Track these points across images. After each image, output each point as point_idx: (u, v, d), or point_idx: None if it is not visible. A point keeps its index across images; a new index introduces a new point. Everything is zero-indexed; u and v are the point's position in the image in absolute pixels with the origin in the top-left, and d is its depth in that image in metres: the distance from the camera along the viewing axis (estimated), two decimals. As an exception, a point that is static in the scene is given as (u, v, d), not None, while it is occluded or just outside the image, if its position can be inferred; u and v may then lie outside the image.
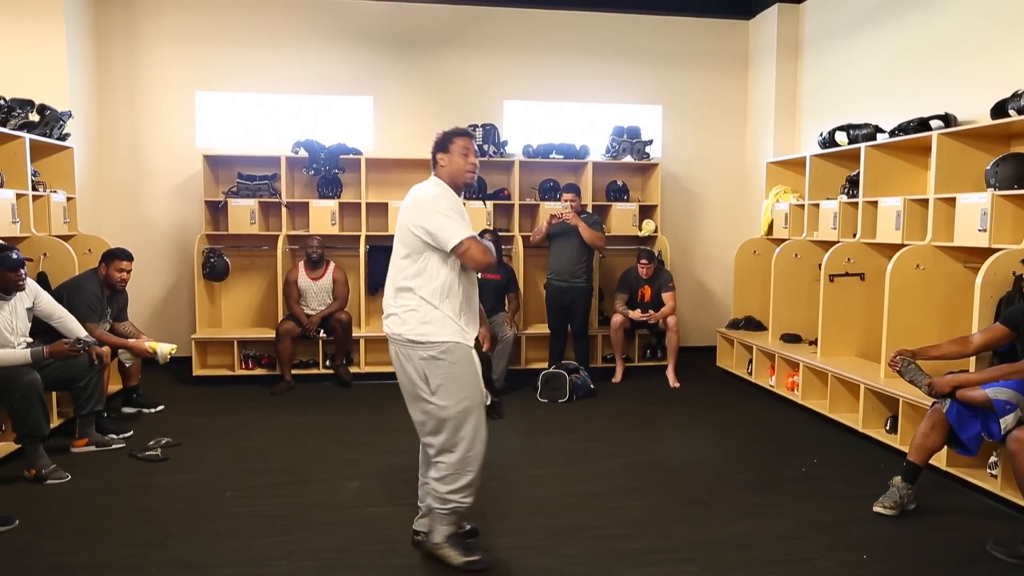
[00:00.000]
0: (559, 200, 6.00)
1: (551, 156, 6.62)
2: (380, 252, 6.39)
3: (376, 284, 6.52)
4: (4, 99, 4.80)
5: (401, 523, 3.21)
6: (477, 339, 2.81)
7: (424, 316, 2.72)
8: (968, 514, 3.41)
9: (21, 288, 3.93)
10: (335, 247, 6.38)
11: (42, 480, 3.66)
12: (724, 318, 6.84)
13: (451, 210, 2.71)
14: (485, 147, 6.48)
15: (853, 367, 4.77)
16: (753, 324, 6.36)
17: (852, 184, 5.28)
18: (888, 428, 4.34)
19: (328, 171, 6.32)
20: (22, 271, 3.89)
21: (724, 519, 3.35)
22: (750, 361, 5.97)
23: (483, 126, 6.53)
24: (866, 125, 5.21)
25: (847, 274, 5.06)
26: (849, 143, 5.30)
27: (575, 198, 5.75)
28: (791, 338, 5.72)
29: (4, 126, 4.69)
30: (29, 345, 3.93)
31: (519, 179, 6.52)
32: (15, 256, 3.86)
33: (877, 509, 3.37)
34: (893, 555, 2.99)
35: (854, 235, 5.14)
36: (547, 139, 6.71)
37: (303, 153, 6.25)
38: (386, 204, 6.33)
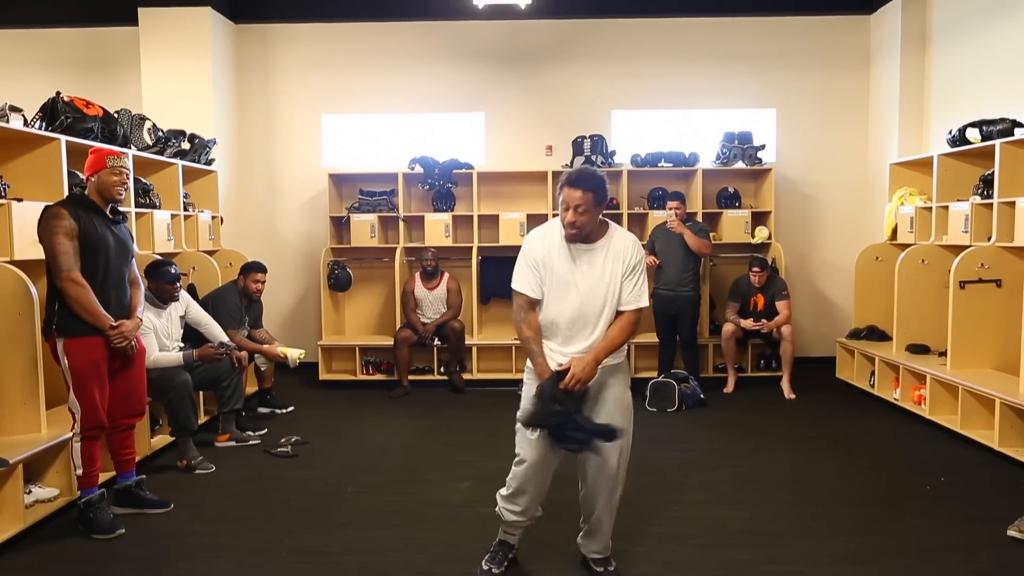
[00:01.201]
0: (665, 208, 5.98)
1: (659, 164, 6.60)
2: (492, 263, 6.64)
3: (488, 294, 6.75)
4: (162, 131, 5.39)
5: (508, 523, 3.34)
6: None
7: None
8: (1120, 542, 3.11)
9: (176, 299, 4.43)
10: (449, 258, 6.66)
11: (192, 470, 4.10)
12: (844, 328, 6.53)
13: (523, 258, 2.77)
14: (593, 158, 6.55)
15: (988, 380, 4.45)
16: (876, 334, 6.04)
17: (986, 184, 4.93)
18: (1029, 447, 4.03)
19: (442, 185, 6.62)
20: (178, 284, 4.39)
21: (837, 534, 3.24)
22: (872, 373, 5.68)
23: (591, 137, 6.61)
24: (1002, 120, 4.85)
25: (980, 280, 4.73)
26: (983, 140, 4.95)
27: (680, 205, 5.73)
28: (918, 349, 5.40)
29: (162, 155, 5.28)
30: (180, 349, 4.41)
31: (627, 188, 6.55)
32: (173, 271, 4.36)
33: (1012, 533, 3.15)
34: (1027, 581, 2.79)
35: (988, 239, 4.79)
36: (655, 147, 6.69)
37: (418, 169, 6.58)
38: (497, 216, 6.54)
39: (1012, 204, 4.56)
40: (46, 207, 3.23)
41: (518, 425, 2.75)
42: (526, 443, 2.76)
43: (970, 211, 4.97)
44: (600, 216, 2.71)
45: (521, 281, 2.74)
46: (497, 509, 2.90)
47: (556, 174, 6.61)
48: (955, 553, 3.03)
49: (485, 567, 2.90)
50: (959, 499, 3.64)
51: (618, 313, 2.72)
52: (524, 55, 6.96)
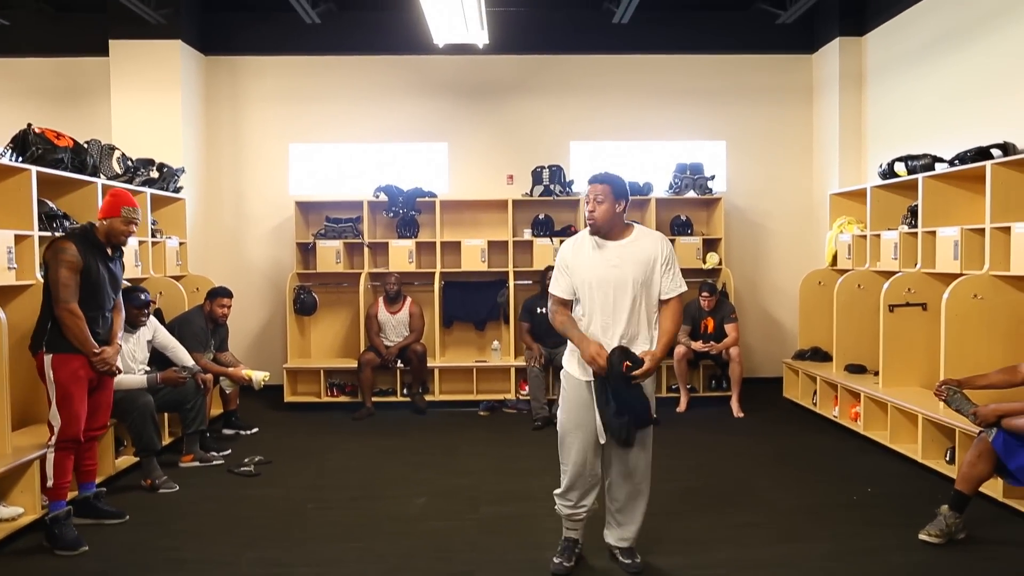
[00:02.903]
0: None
1: (615, 193, 6.89)
2: (454, 287, 6.87)
3: (450, 318, 6.96)
4: (131, 160, 5.54)
5: (459, 536, 3.55)
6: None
7: None
8: (1020, 546, 3.40)
9: (144, 324, 4.59)
10: (412, 283, 6.87)
11: (156, 489, 4.22)
12: (791, 349, 6.85)
13: (556, 264, 3.15)
14: (552, 187, 6.85)
15: (914, 397, 4.76)
16: (820, 355, 6.37)
17: (912, 214, 5.30)
18: (948, 459, 4.32)
19: (406, 213, 6.84)
20: (146, 310, 4.57)
21: (767, 541, 3.48)
22: (815, 392, 5.99)
23: (550, 167, 6.91)
24: (924, 156, 5.24)
25: (908, 304, 5.07)
26: (908, 174, 5.34)
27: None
28: (856, 369, 5.72)
29: (131, 183, 5.43)
30: (146, 372, 4.54)
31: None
32: (143, 297, 4.55)
33: (923, 537, 3.41)
34: (931, 579, 3.05)
35: (915, 265, 5.15)
36: (611, 177, 6.99)
37: (383, 197, 6.81)
38: (459, 243, 6.78)
39: (933, 233, 4.92)
40: (56, 238, 3.58)
41: (560, 434, 3.11)
42: (566, 449, 3.07)
43: (898, 239, 5.34)
44: (624, 218, 3.04)
45: (555, 285, 3.11)
46: (556, 507, 3.16)
47: (516, 202, 6.88)
48: (870, 556, 3.29)
49: (556, 560, 3.12)
50: (881, 508, 3.91)
51: (661, 304, 3.03)
52: (486, 89, 7.26)
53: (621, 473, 3.08)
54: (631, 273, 2.95)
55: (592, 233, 3.04)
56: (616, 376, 2.85)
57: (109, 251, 3.62)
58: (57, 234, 4.15)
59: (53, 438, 3.43)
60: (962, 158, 4.77)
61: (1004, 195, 4.34)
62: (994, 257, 4.33)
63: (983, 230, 4.43)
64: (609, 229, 3.01)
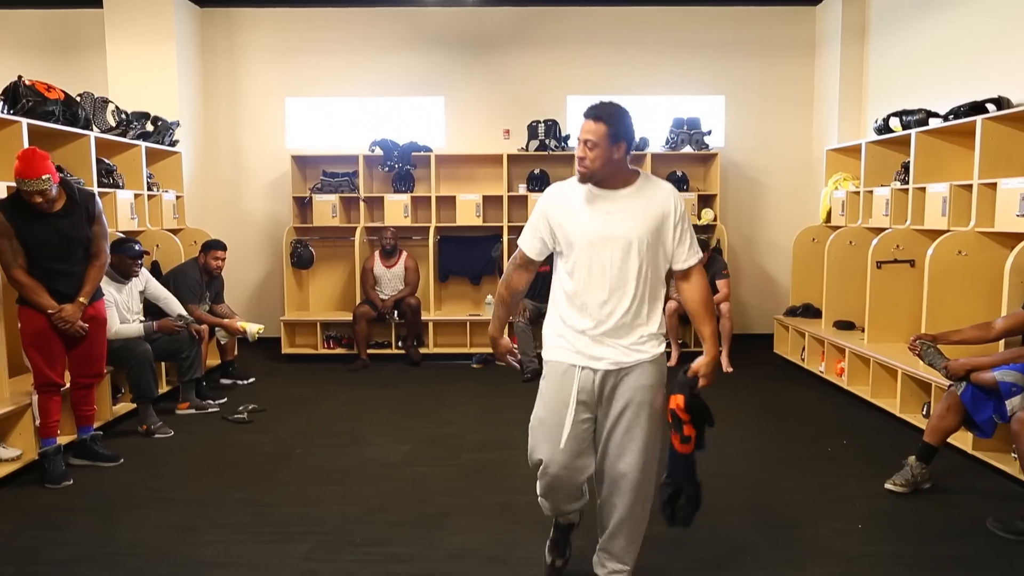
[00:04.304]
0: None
1: (611, 148, 6.87)
2: (450, 242, 6.93)
3: (445, 272, 7.03)
4: (126, 113, 5.58)
5: (439, 480, 3.68)
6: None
7: None
8: (982, 495, 3.47)
9: (137, 274, 4.67)
10: (408, 238, 6.92)
11: (151, 434, 4.38)
12: (785, 305, 6.87)
13: (536, 209, 2.46)
14: (547, 141, 6.83)
15: (896, 353, 4.80)
16: (811, 311, 6.40)
17: (905, 170, 5.26)
18: (924, 413, 4.38)
19: (401, 167, 6.85)
20: (140, 261, 4.64)
21: (738, 489, 3.58)
22: (803, 348, 6.04)
23: (546, 121, 6.88)
24: (919, 111, 5.17)
25: (895, 260, 5.07)
26: (903, 129, 5.27)
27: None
28: (844, 325, 5.75)
29: (125, 136, 5.47)
30: (141, 322, 4.66)
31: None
32: (137, 248, 4.62)
33: (888, 486, 3.50)
34: (890, 526, 3.14)
35: (905, 222, 5.13)
36: (607, 132, 6.95)
37: (379, 151, 6.82)
38: (454, 197, 6.80)
39: (924, 190, 4.90)
40: None
41: (533, 425, 2.43)
42: (534, 453, 2.41)
43: (890, 196, 5.31)
44: (628, 164, 2.36)
45: (524, 238, 2.45)
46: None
47: (512, 157, 6.87)
48: (834, 503, 3.38)
49: (548, 558, 2.64)
50: (854, 459, 3.99)
51: (678, 276, 2.42)
52: (483, 42, 7.18)
53: (613, 490, 2.42)
54: (636, 229, 2.30)
55: (581, 181, 2.35)
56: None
57: (57, 206, 3.49)
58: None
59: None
60: (956, 112, 4.71)
61: (994, 151, 4.29)
62: (980, 213, 4.31)
63: (971, 186, 4.40)
64: (604, 177, 2.31)
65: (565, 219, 2.36)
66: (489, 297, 6.81)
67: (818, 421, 4.74)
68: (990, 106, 4.53)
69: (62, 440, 3.78)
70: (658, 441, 2.44)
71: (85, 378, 3.81)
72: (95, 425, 4.01)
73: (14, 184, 3.47)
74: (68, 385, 3.81)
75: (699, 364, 2.38)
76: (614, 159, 2.29)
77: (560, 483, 2.39)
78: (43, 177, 3.38)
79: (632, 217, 2.31)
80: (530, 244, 2.45)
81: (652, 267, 2.36)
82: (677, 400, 2.34)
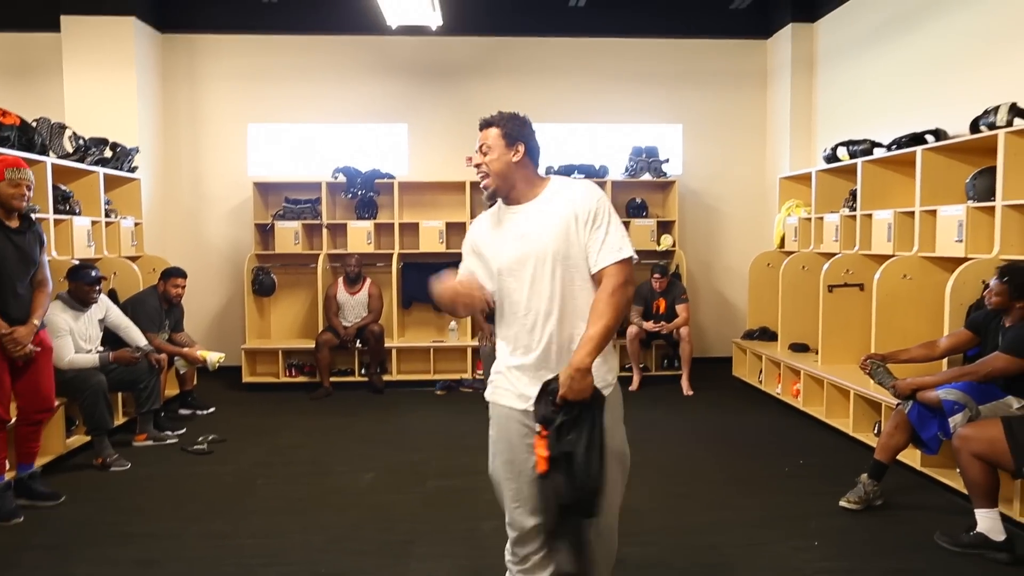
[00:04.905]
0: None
1: (572, 176, 7.01)
2: (413, 268, 6.95)
3: (409, 298, 7.04)
4: (83, 139, 5.51)
5: (404, 508, 3.67)
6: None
7: None
8: (932, 510, 3.61)
9: (95, 301, 4.59)
10: (373, 264, 6.93)
11: (107, 467, 4.27)
12: (743, 329, 7.03)
13: (466, 244, 2.36)
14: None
15: (848, 374, 4.96)
16: (768, 335, 6.57)
17: (853, 197, 5.48)
18: (876, 432, 4.53)
19: (364, 194, 6.88)
20: (97, 287, 4.56)
21: (698, 510, 3.66)
22: (761, 370, 6.19)
23: (508, 149, 6.98)
24: (864, 141, 5.41)
25: (845, 284, 5.26)
26: (850, 158, 5.51)
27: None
28: (799, 347, 5.93)
29: (83, 162, 5.40)
30: (97, 352, 4.57)
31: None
32: (94, 274, 4.54)
33: (842, 503, 3.61)
34: (844, 542, 3.24)
35: (854, 247, 5.33)
36: (568, 160, 7.10)
37: (342, 178, 6.83)
38: (417, 224, 6.84)
39: (870, 216, 5.11)
40: None
41: (493, 482, 2.24)
42: (503, 500, 2.22)
43: (839, 222, 5.52)
44: (533, 171, 2.19)
45: (460, 268, 2.32)
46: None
47: (475, 184, 6.95)
48: (792, 521, 3.47)
49: None
50: (809, 478, 4.11)
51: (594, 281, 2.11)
52: (445, 70, 7.29)
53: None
54: (551, 242, 2.09)
55: (489, 199, 2.21)
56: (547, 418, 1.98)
57: (13, 224, 3.49)
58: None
59: None
60: (898, 143, 4.95)
61: (933, 180, 4.52)
62: (923, 239, 4.52)
63: (913, 213, 4.61)
64: (509, 188, 2.16)
65: (486, 245, 2.23)
66: (453, 323, 6.84)
67: (775, 442, 4.86)
68: (929, 137, 4.78)
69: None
70: (621, 483, 2.25)
71: (37, 413, 3.68)
72: (37, 463, 3.82)
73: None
74: (14, 420, 3.68)
75: (561, 372, 2.00)
76: (513, 163, 2.14)
77: (530, 537, 2.17)
78: (28, 170, 3.49)
79: (544, 229, 2.11)
80: (467, 273, 2.28)
81: (581, 281, 2.11)
82: (540, 445, 1.98)
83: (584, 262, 2.11)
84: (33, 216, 3.72)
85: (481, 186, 2.20)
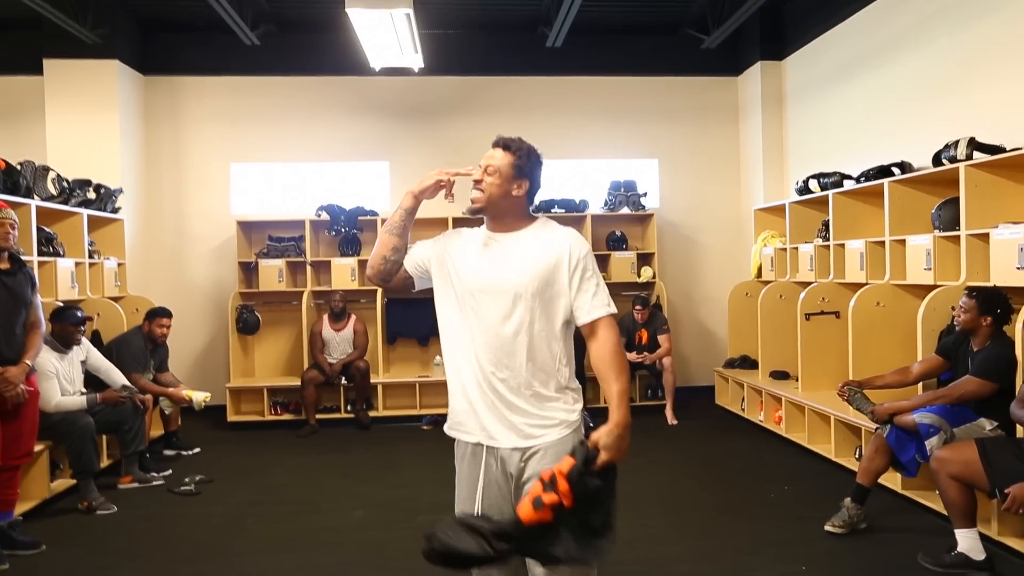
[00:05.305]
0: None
1: (552, 210, 7.15)
2: (397, 304, 7.00)
3: (393, 334, 7.08)
4: (67, 181, 5.53)
5: (396, 544, 3.67)
6: None
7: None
8: (915, 532, 3.70)
9: (78, 343, 4.58)
10: (356, 301, 6.97)
11: (93, 511, 4.22)
12: (724, 358, 7.16)
13: (433, 239, 2.28)
14: (491, 204, 7.04)
15: (828, 400, 5.07)
16: (748, 363, 6.69)
17: (826, 228, 5.67)
18: (857, 456, 4.63)
19: (348, 231, 6.95)
20: (82, 328, 4.56)
21: (687, 537, 3.71)
22: (743, 398, 6.30)
23: (489, 185, 7.12)
24: (834, 173, 5.62)
25: (822, 312, 5.41)
26: (821, 190, 5.70)
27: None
28: (780, 375, 6.05)
29: (67, 204, 5.42)
30: (83, 394, 4.54)
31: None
32: (79, 314, 4.55)
33: (827, 528, 3.68)
34: (831, 566, 3.32)
35: (828, 276, 5.50)
36: (548, 195, 7.24)
37: (325, 216, 6.90)
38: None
39: (843, 246, 5.28)
40: None
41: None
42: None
43: (813, 252, 5.69)
44: (527, 207, 2.15)
45: (414, 248, 2.24)
46: None
47: (456, 220, 7.06)
48: (780, 547, 3.54)
49: None
50: (794, 503, 4.19)
51: (586, 332, 2.06)
52: (425, 109, 7.44)
53: None
54: (524, 277, 2.03)
55: (471, 213, 2.13)
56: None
57: (3, 265, 3.54)
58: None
59: None
60: (866, 175, 5.15)
61: (900, 210, 4.71)
62: (893, 267, 4.69)
63: (883, 243, 4.79)
64: (497, 215, 2.11)
65: (455, 254, 2.14)
66: (437, 358, 6.87)
67: (759, 468, 4.94)
68: (895, 170, 4.98)
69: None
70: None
71: (14, 459, 3.65)
72: (18, 510, 3.76)
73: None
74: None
75: (599, 432, 1.91)
76: (512, 195, 2.08)
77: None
78: (10, 209, 3.55)
79: (521, 263, 2.05)
80: (410, 256, 2.21)
81: (544, 323, 2.05)
82: (566, 462, 1.85)
83: (554, 309, 2.06)
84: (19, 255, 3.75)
85: (471, 198, 2.11)
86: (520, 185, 2.09)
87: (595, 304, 2.05)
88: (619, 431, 1.92)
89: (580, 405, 2.11)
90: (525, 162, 2.10)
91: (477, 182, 2.09)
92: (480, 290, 2.07)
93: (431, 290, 2.20)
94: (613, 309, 2.08)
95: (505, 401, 2.04)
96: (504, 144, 2.11)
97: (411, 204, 2.23)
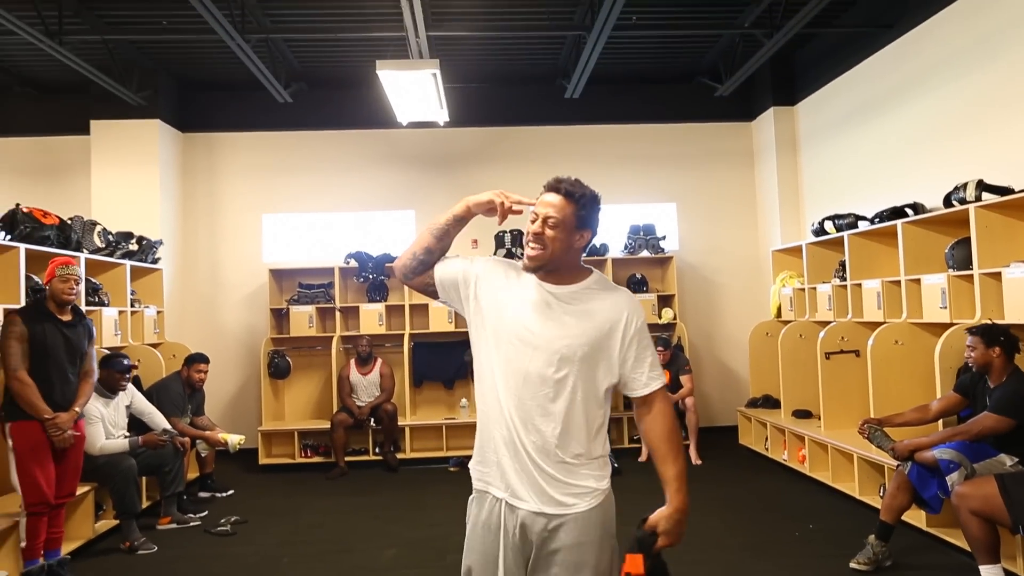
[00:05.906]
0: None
1: (573, 254, 7.32)
2: (423, 348, 7.17)
3: (420, 377, 7.24)
4: (112, 234, 5.84)
5: (427, 581, 3.76)
6: None
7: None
8: (940, 569, 3.72)
9: (124, 388, 4.80)
10: (383, 345, 7.15)
11: (135, 551, 4.37)
12: (746, 397, 7.20)
13: (467, 260, 2.12)
14: (514, 250, 7.26)
15: (851, 439, 5.11)
16: (771, 402, 6.73)
17: (842, 268, 5.77)
18: (881, 494, 4.65)
19: (375, 278, 7.18)
20: (128, 375, 4.79)
21: (712, 576, 3.76)
22: (766, 438, 6.33)
23: (511, 231, 7.34)
24: (849, 215, 5.75)
25: (842, 351, 5.48)
26: (836, 231, 5.83)
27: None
28: (802, 414, 6.09)
29: (112, 256, 5.71)
30: (126, 437, 4.74)
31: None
32: (125, 362, 4.78)
33: (852, 565, 3.72)
34: (856, 603, 3.35)
35: (846, 315, 5.58)
36: (569, 239, 7.42)
37: (354, 263, 7.15)
38: (427, 305, 7.10)
39: (859, 286, 5.38)
40: (6, 314, 3.77)
41: None
42: None
43: (831, 292, 5.79)
44: (582, 258, 1.99)
45: (440, 266, 2.05)
46: None
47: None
48: (805, 584, 3.59)
49: None
50: (819, 541, 4.22)
51: (637, 404, 1.96)
52: (450, 159, 7.73)
53: None
54: (571, 338, 1.87)
55: (532, 270, 1.94)
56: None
57: (65, 317, 3.84)
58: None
59: (23, 503, 3.65)
60: (880, 216, 5.28)
61: (915, 250, 4.82)
62: (910, 306, 4.78)
63: (899, 282, 4.89)
64: (556, 268, 1.92)
65: (497, 288, 1.96)
66: (464, 400, 7.00)
67: (784, 507, 4.97)
68: (908, 211, 5.11)
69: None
70: None
71: (60, 498, 3.85)
72: (64, 549, 3.97)
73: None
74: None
75: (659, 516, 1.89)
76: (574, 248, 1.90)
77: None
78: (75, 266, 3.84)
79: (574, 323, 1.88)
80: (443, 267, 2.03)
81: (584, 387, 1.88)
82: (635, 563, 1.85)
83: (602, 369, 1.91)
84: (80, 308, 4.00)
85: (526, 255, 1.91)
86: (582, 236, 1.91)
87: (652, 376, 1.93)
88: (679, 515, 1.86)
89: (610, 470, 1.98)
90: (588, 211, 1.90)
91: (536, 235, 1.89)
92: (521, 340, 1.89)
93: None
94: (664, 380, 1.98)
95: (534, 463, 1.88)
96: (566, 192, 1.90)
97: (463, 213, 2.05)
